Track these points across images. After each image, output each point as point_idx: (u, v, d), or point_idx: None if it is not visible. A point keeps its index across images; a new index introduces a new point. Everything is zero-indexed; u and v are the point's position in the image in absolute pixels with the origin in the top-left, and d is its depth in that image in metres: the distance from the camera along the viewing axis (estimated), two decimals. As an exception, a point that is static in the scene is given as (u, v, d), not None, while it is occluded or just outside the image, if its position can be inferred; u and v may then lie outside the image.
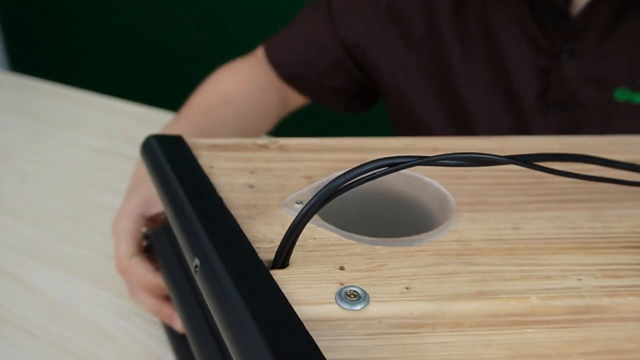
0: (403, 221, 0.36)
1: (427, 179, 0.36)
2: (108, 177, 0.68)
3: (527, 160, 0.29)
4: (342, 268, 0.29)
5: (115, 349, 0.44)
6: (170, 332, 0.42)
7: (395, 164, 0.27)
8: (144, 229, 0.44)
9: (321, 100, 0.66)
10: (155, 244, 0.41)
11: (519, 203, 0.35)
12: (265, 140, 0.40)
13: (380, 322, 0.27)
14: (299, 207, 0.33)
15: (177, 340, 0.41)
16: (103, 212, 0.60)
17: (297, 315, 0.25)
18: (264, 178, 0.36)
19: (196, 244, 0.28)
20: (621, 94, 0.51)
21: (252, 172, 0.36)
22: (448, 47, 0.57)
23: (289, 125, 0.72)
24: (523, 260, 0.30)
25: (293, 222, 0.28)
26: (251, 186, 0.35)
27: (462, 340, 0.28)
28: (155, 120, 0.82)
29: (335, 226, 0.32)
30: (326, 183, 0.34)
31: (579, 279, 0.29)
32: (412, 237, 0.31)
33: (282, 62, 0.64)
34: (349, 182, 0.28)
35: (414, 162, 0.27)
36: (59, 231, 0.58)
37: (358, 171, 0.28)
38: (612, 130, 0.52)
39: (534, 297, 0.28)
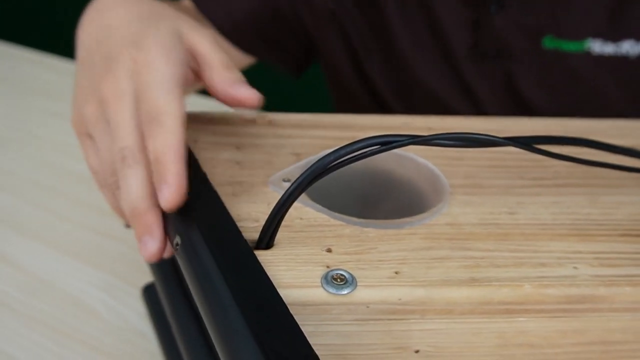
0: (394, 203, 0.35)
1: (420, 159, 0.35)
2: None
3: (527, 143, 0.28)
4: (329, 250, 0.27)
5: (98, 324, 0.43)
6: (152, 310, 0.41)
7: (387, 143, 0.26)
8: None
9: (259, 55, 0.63)
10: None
11: (515, 187, 0.34)
12: (253, 114, 0.38)
13: (368, 307, 0.26)
14: (286, 185, 0.31)
15: (159, 319, 0.40)
16: (83, 184, 0.58)
17: (281, 298, 0.23)
18: (251, 154, 0.34)
19: (178, 221, 0.27)
20: (549, 42, 0.51)
21: (238, 148, 0.35)
22: (386, 6, 0.56)
23: (282, 103, 0.70)
24: (517, 247, 0.29)
25: (279, 201, 0.26)
26: (237, 162, 0.33)
27: (452, 327, 0.27)
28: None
29: (324, 206, 0.30)
30: (315, 161, 0.33)
31: (575, 267, 0.28)
32: (403, 220, 0.30)
33: (220, 15, 0.59)
34: (338, 161, 0.26)
35: (407, 141, 0.26)
36: (38, 202, 0.57)
37: (348, 149, 0.26)
38: (547, 80, 0.52)
39: (528, 285, 0.27)
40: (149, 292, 0.43)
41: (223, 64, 0.33)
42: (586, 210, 0.32)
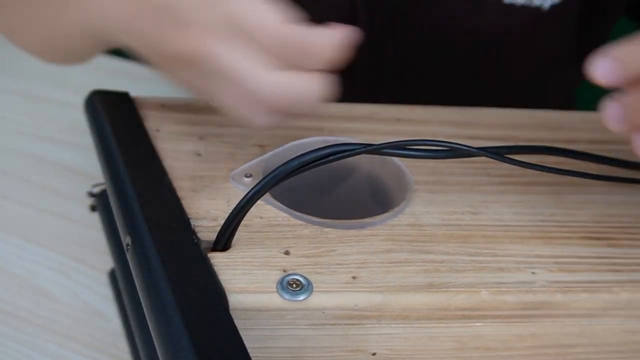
0: (360, 199, 0.34)
1: None
2: (34, 124, 0.62)
3: (498, 152, 0.28)
4: (287, 252, 0.27)
5: (55, 306, 0.42)
6: (116, 295, 0.41)
7: (337, 153, 0.25)
8: (91, 187, 0.41)
9: None
10: (100, 207, 0.39)
11: (481, 184, 0.33)
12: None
13: (323, 312, 0.25)
14: (248, 180, 0.31)
15: (122, 304, 0.39)
16: (30, 162, 0.56)
17: (227, 311, 0.23)
18: (214, 145, 0.33)
19: (129, 220, 0.26)
20: None
21: (201, 138, 0.34)
22: None
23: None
24: (478, 250, 0.29)
25: (238, 204, 0.26)
26: (198, 154, 0.32)
27: (408, 332, 0.27)
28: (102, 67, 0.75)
29: (286, 201, 0.30)
30: (279, 153, 0.32)
31: (533, 273, 0.28)
32: (365, 220, 0.29)
33: None
34: (302, 167, 0.26)
35: (361, 149, 0.25)
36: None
37: (314, 155, 0.26)
38: (488, 31, 0.47)
39: (485, 291, 0.27)
40: (114, 277, 0.42)
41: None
42: (550, 210, 0.32)
